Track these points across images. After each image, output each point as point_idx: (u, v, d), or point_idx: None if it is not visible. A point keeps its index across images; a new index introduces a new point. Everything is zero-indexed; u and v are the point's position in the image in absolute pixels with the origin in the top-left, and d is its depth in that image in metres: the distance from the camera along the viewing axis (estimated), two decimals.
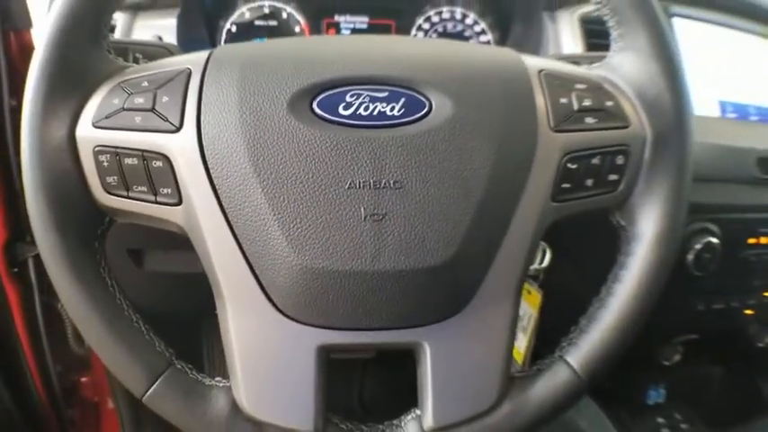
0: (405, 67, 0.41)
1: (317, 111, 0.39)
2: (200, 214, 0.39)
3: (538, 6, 0.80)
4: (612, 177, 0.43)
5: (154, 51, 0.62)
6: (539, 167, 0.41)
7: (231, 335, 0.41)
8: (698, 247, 0.75)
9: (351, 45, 0.44)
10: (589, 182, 0.43)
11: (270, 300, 0.39)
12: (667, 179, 0.43)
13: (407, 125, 0.39)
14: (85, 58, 0.40)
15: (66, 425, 0.86)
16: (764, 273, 0.84)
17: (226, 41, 0.85)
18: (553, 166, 0.41)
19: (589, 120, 0.42)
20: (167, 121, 0.39)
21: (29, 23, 0.78)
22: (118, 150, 0.39)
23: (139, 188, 0.40)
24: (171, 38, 0.75)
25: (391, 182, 0.38)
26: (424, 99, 0.40)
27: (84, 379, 0.92)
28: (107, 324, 0.41)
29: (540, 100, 0.42)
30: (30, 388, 0.81)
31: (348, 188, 0.38)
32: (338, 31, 0.87)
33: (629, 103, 0.43)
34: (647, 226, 0.43)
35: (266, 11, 0.86)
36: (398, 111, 0.39)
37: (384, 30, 0.88)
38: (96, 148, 0.39)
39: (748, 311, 0.86)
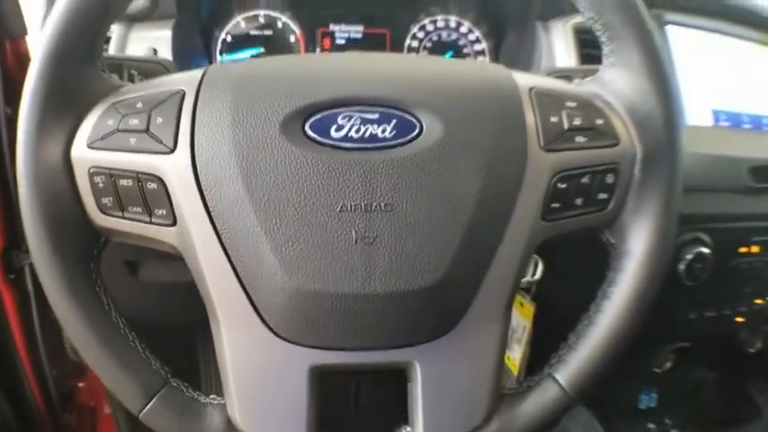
0: (395, 88, 0.40)
1: (309, 133, 0.39)
2: (194, 235, 0.39)
3: (531, 16, 0.80)
4: (602, 196, 0.43)
5: (148, 67, 0.61)
6: (528, 188, 0.40)
7: (225, 353, 0.41)
8: (689, 257, 0.75)
9: (342, 64, 0.43)
10: (579, 201, 0.42)
11: (263, 320, 0.39)
12: (657, 197, 0.43)
13: (398, 147, 0.39)
14: (79, 77, 0.40)
15: (62, 430, 0.86)
16: (755, 280, 0.84)
17: (221, 51, 0.85)
18: (543, 185, 0.41)
19: (579, 139, 0.42)
20: (161, 143, 0.39)
21: (24, 31, 0.76)
22: (113, 172, 0.39)
23: (134, 209, 0.40)
24: (166, 50, 0.74)
25: (382, 205, 0.38)
26: (414, 120, 0.40)
27: (80, 384, 0.92)
28: (103, 344, 0.41)
29: (531, 119, 0.41)
30: (26, 393, 0.81)
31: (339, 211, 0.38)
32: (333, 40, 0.86)
33: (619, 120, 0.43)
34: (637, 244, 0.43)
35: (261, 21, 0.85)
36: (389, 132, 0.39)
37: (379, 39, 0.87)
38: (91, 170, 0.39)
39: (739, 319, 0.86)
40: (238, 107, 0.39)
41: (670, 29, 0.82)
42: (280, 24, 0.85)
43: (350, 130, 0.39)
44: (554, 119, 0.42)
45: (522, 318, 0.68)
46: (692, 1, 0.82)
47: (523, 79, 0.43)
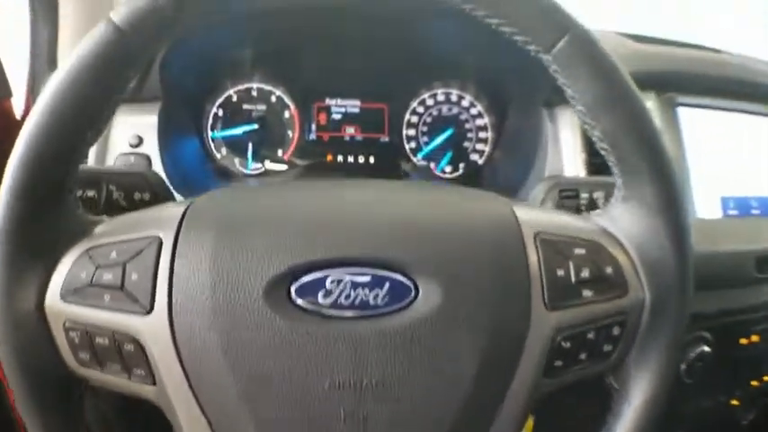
0: (389, 247, 0.35)
1: (296, 299, 0.34)
2: (174, 400, 0.35)
3: (536, 99, 0.71)
4: (607, 348, 0.38)
5: (129, 181, 0.54)
6: (530, 351, 0.35)
7: None
8: (692, 356, 0.69)
9: (331, 210, 0.37)
10: (583, 356, 0.37)
11: None
12: (661, 344, 0.38)
13: (392, 315, 0.34)
14: (49, 220, 0.35)
15: None
16: (753, 365, 0.78)
17: (212, 127, 0.77)
18: (546, 346, 0.36)
19: (587, 293, 0.36)
20: (137, 302, 0.34)
21: (8, 93, 0.71)
22: (88, 328, 0.35)
23: (113, 366, 0.35)
24: (152, 136, 0.66)
25: (373, 381, 0.33)
26: (409, 283, 0.34)
27: None
28: None
29: (536, 273, 0.36)
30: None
31: (327, 388, 0.33)
32: (329, 115, 0.78)
33: (629, 264, 0.38)
34: (637, 392, 0.39)
35: (254, 94, 0.77)
36: (382, 299, 0.34)
37: (377, 114, 0.78)
38: (66, 324, 0.35)
39: (734, 402, 0.81)
40: (219, 268, 0.34)
41: (681, 111, 0.74)
42: (273, 98, 0.77)
43: (339, 295, 0.34)
44: (560, 272, 0.36)
45: None
46: (704, 81, 0.74)
47: (528, 219, 0.38)
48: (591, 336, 0.37)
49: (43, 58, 0.77)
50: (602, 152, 0.38)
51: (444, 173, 0.80)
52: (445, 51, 0.74)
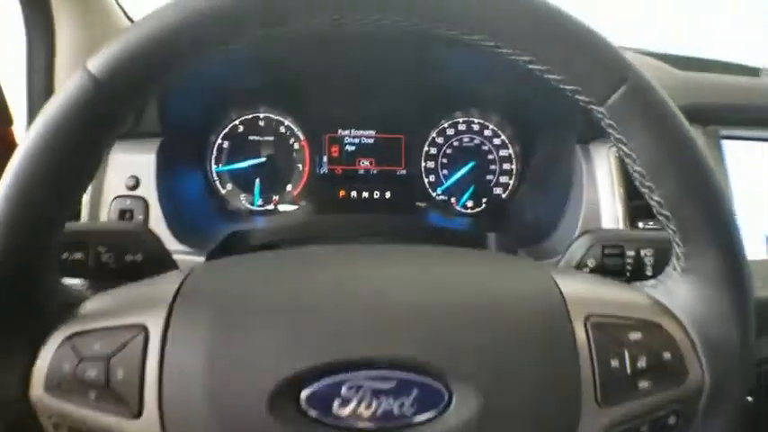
0: (415, 345, 0.29)
1: (306, 409, 0.28)
2: None
3: (567, 134, 0.64)
4: None
5: (119, 242, 0.47)
6: None
7: None
8: None
9: (345, 296, 0.31)
10: None
11: None
12: (719, 427, 0.33)
13: (421, 426, 0.28)
14: (29, 299, 0.30)
15: None
16: None
17: (217, 160, 0.69)
18: None
19: (643, 384, 0.31)
20: (125, 404, 0.29)
21: (9, 122, 0.67)
22: (76, 426, 0.30)
23: None
24: (150, 176, 0.60)
25: None
26: (441, 388, 0.28)
27: None
28: None
29: (587, 366, 0.30)
30: None
31: None
32: (342, 147, 0.71)
33: (687, 343, 0.33)
34: None
35: (261, 124, 0.69)
36: (408, 408, 0.28)
37: (393, 145, 0.71)
38: (52, 419, 0.30)
39: None
40: (215, 370, 0.28)
41: (725, 143, 0.67)
42: (282, 129, 0.70)
43: (358, 405, 0.28)
44: (615, 363, 0.31)
45: None
46: (748, 112, 0.67)
47: (575, 298, 0.32)
48: (645, 429, 0.32)
49: (40, 85, 0.71)
50: (661, 218, 0.32)
51: (466, 208, 0.73)
52: (466, 78, 0.67)
